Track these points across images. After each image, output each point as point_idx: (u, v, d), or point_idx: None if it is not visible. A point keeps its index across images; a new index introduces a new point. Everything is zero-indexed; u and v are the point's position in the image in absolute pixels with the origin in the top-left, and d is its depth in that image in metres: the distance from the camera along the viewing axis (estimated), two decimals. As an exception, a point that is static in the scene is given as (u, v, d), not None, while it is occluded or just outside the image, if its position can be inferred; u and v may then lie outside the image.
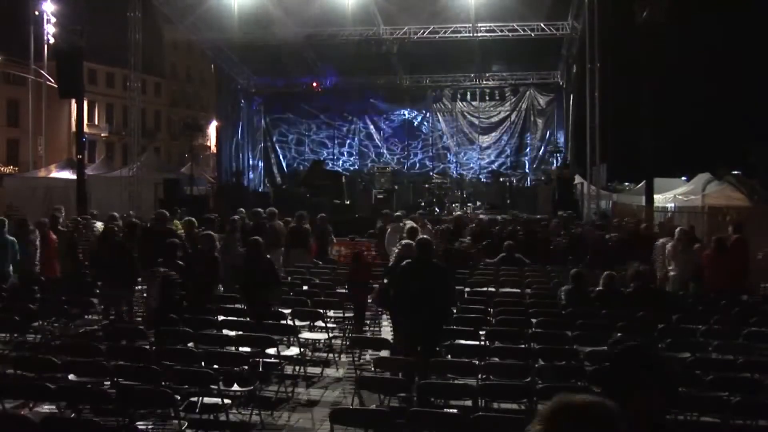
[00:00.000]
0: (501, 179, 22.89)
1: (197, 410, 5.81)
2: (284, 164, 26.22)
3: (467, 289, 10.77)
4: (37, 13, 29.82)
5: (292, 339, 7.94)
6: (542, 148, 24.46)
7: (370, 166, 23.82)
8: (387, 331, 9.66)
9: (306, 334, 8.59)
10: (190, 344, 7.12)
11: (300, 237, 12.74)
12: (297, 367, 7.70)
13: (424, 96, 25.19)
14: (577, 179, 21.22)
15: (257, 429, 6.17)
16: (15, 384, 5.92)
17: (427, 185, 21.53)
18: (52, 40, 29.42)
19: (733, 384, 5.74)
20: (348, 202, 20.56)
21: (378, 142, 25.60)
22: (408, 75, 24.35)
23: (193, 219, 11.67)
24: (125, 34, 20.21)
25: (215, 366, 6.45)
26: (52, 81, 25.60)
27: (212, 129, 41.87)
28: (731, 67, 43.05)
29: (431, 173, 23.67)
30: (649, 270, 10.56)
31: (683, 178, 26.47)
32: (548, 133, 24.32)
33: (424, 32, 20.44)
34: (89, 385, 5.98)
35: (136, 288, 9.82)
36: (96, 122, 49.46)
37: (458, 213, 17.97)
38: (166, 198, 19.50)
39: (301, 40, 21.72)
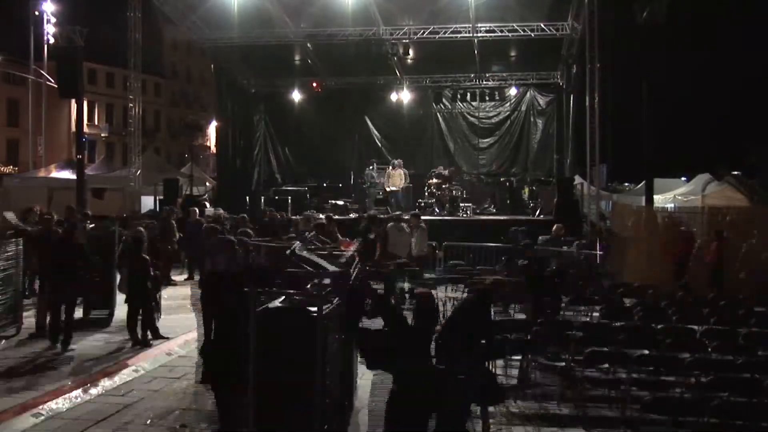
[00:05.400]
0: (501, 179, 22.83)
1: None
2: (284, 164, 26.18)
3: (467, 289, 10.78)
4: (37, 13, 29.82)
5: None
6: (542, 148, 24.41)
7: (370, 166, 23.70)
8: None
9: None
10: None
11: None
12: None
13: (424, 96, 25.16)
14: (577, 179, 21.19)
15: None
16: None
17: (426, 185, 21.48)
18: (52, 40, 29.42)
19: (733, 384, 5.74)
20: (341, 203, 20.67)
21: (377, 142, 25.57)
22: (408, 75, 24.33)
23: None
24: (125, 34, 20.20)
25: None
26: (52, 81, 25.58)
27: (212, 129, 41.91)
28: (732, 68, 43.13)
29: (431, 174, 23.59)
30: None
31: (683, 179, 26.48)
32: (548, 133, 24.28)
33: (424, 32, 20.39)
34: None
35: None
36: (96, 122, 49.52)
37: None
38: (166, 198, 19.49)
39: (301, 40, 21.71)
